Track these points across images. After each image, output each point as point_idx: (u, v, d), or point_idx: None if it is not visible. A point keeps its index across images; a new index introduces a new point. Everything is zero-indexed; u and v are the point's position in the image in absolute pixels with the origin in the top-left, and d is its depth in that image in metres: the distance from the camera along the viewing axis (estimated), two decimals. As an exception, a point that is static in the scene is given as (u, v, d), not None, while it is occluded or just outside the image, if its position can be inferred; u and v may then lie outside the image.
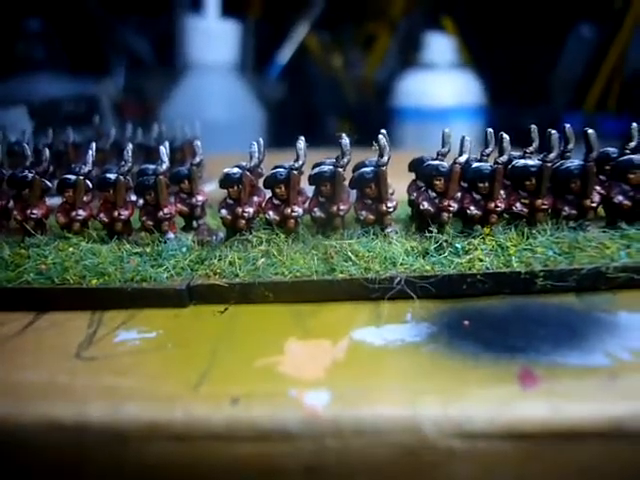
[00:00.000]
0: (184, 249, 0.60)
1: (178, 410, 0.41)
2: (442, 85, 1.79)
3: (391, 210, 0.59)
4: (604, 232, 0.57)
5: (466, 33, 1.89)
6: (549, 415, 0.39)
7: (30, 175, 0.61)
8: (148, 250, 0.60)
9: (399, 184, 0.65)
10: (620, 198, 0.58)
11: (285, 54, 2.02)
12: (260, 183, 0.62)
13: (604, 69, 1.67)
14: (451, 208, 0.58)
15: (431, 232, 0.58)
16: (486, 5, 1.88)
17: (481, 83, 1.83)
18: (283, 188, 0.59)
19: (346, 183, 0.60)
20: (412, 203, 0.65)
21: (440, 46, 1.79)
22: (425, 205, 0.59)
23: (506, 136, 0.59)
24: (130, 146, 0.63)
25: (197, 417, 0.40)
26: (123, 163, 0.62)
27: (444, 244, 0.57)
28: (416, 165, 0.65)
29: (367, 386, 0.42)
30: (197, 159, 0.67)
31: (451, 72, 1.80)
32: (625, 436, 0.38)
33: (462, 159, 0.58)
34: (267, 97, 1.93)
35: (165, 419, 0.40)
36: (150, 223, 0.62)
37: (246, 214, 0.60)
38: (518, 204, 0.59)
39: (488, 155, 0.63)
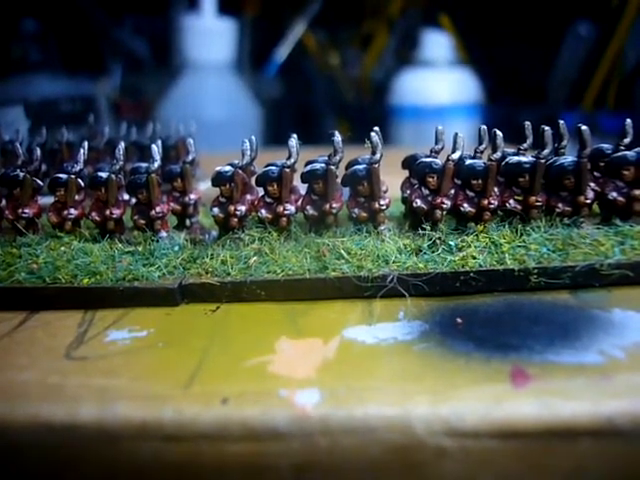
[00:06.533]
0: (176, 248, 0.60)
1: (168, 410, 0.40)
2: (439, 83, 1.79)
3: (384, 208, 0.59)
4: (598, 229, 0.57)
5: (463, 31, 1.89)
6: (541, 413, 0.38)
7: (21, 174, 0.61)
8: (140, 249, 0.59)
9: (394, 181, 0.65)
10: (614, 194, 0.58)
11: (282, 52, 2.01)
12: (253, 181, 0.62)
13: (602, 67, 1.66)
14: (444, 205, 0.58)
15: (424, 229, 0.58)
16: (484, 3, 1.88)
17: (479, 81, 1.83)
18: (275, 186, 0.59)
19: (339, 181, 0.59)
20: (405, 200, 0.65)
21: (437, 44, 1.79)
22: (418, 202, 0.59)
23: (499, 133, 0.59)
24: (122, 145, 0.62)
25: (187, 417, 0.40)
26: (115, 162, 0.62)
27: (437, 242, 0.57)
28: (409, 162, 0.65)
29: (358, 385, 0.42)
30: (190, 157, 0.66)
31: (448, 70, 1.80)
32: (618, 434, 0.38)
33: (455, 156, 0.58)
34: (264, 95, 1.93)
35: (155, 419, 0.40)
36: (142, 222, 0.62)
37: (238, 212, 0.59)
38: (512, 201, 0.59)
39: (482, 152, 0.62)
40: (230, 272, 0.56)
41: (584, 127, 0.57)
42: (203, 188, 0.76)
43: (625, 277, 0.54)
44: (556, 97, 1.80)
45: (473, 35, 1.91)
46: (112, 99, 1.85)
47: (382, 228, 0.59)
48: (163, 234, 0.62)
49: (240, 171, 0.59)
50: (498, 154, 0.58)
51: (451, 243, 0.56)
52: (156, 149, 0.61)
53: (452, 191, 0.59)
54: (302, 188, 0.61)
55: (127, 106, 1.88)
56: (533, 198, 0.58)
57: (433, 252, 0.56)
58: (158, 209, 0.61)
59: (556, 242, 0.56)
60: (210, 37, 1.70)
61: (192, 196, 0.66)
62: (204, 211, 0.71)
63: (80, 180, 0.62)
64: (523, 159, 0.58)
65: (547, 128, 0.57)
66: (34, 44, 1.81)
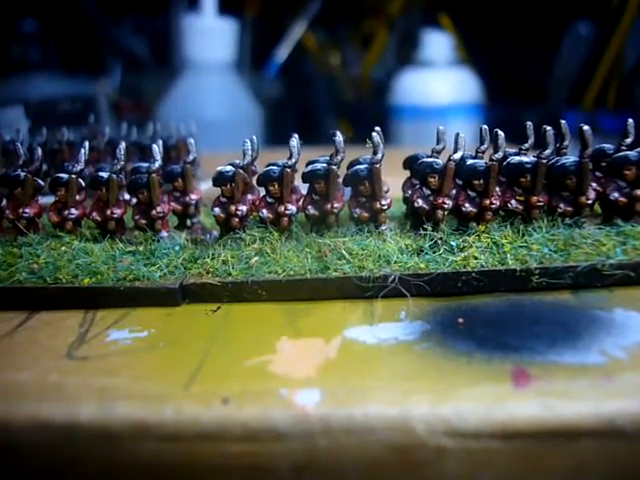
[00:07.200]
0: (177, 248, 0.60)
1: (169, 410, 0.40)
2: (440, 83, 1.79)
3: (385, 208, 0.58)
4: (600, 229, 0.57)
5: (464, 31, 1.89)
6: (542, 414, 0.38)
7: (22, 174, 0.61)
8: (141, 249, 0.59)
9: (395, 181, 0.65)
10: (616, 195, 0.58)
11: (282, 52, 2.01)
12: (254, 181, 0.62)
13: (602, 66, 1.66)
14: (446, 205, 0.58)
15: (426, 230, 0.58)
16: (484, 3, 1.88)
17: (479, 81, 1.82)
18: (277, 186, 0.59)
19: (340, 181, 0.59)
20: (407, 200, 0.65)
21: (438, 44, 1.79)
22: (420, 203, 0.59)
23: (501, 133, 0.58)
24: (123, 145, 0.62)
25: (188, 417, 0.40)
26: (116, 161, 0.62)
27: (439, 242, 0.57)
28: (411, 162, 0.65)
29: (359, 385, 0.42)
30: (191, 157, 0.66)
31: (449, 70, 1.80)
32: (619, 435, 0.38)
33: (457, 156, 0.58)
34: (264, 95, 1.93)
35: (156, 419, 0.40)
36: (143, 222, 0.62)
37: (239, 212, 0.59)
38: (513, 201, 0.58)
39: (483, 152, 0.62)
40: (231, 272, 0.56)
41: (586, 127, 0.57)
42: (204, 188, 0.76)
43: (627, 277, 0.54)
44: (556, 97, 1.80)
45: (473, 35, 1.91)
46: (112, 99, 1.85)
47: (383, 228, 0.59)
48: (164, 234, 0.62)
49: (241, 171, 0.59)
50: (499, 154, 0.58)
51: (452, 243, 0.56)
52: (157, 149, 0.61)
53: (453, 191, 0.59)
54: (303, 188, 0.61)
55: (127, 106, 1.88)
56: (535, 198, 0.58)
57: (434, 252, 0.56)
58: (159, 209, 0.61)
59: (558, 242, 0.56)
60: (210, 37, 1.70)
61: (193, 196, 0.66)
62: (205, 211, 0.71)
63: (81, 180, 0.62)
64: (525, 159, 0.58)
65: (549, 128, 0.57)
66: (34, 44, 1.81)
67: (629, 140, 0.60)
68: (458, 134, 0.59)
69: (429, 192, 0.59)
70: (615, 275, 0.54)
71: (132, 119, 1.23)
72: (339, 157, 0.58)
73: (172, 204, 0.64)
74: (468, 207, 0.59)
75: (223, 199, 0.60)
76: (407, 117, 1.79)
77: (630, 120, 0.60)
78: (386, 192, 0.60)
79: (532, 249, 0.55)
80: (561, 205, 0.58)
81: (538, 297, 0.54)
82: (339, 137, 0.58)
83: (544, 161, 0.57)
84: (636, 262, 0.54)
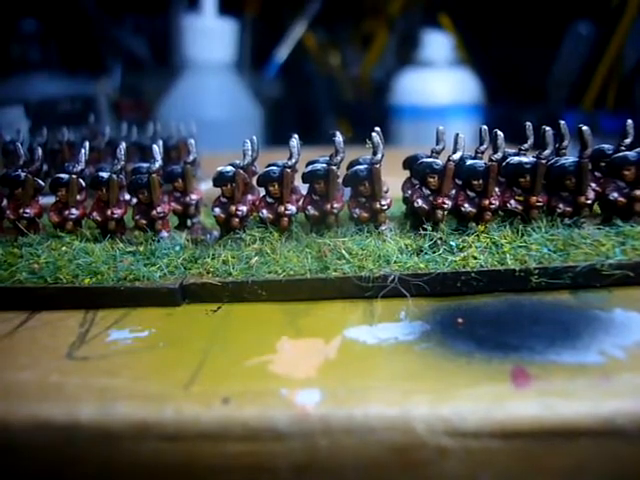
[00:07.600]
0: (177, 248, 0.60)
1: (169, 410, 0.40)
2: (440, 83, 1.79)
3: (385, 208, 0.59)
4: (599, 229, 0.57)
5: (464, 31, 1.89)
6: (542, 413, 0.38)
7: (23, 174, 0.61)
8: (141, 249, 0.60)
9: (395, 182, 0.65)
10: (615, 195, 0.58)
11: (283, 52, 2.01)
12: (254, 181, 0.62)
13: (602, 67, 1.66)
14: (445, 205, 0.58)
15: (425, 230, 0.58)
16: (484, 3, 1.88)
17: (479, 81, 1.83)
18: (277, 186, 0.59)
19: (340, 181, 0.59)
20: (406, 201, 0.65)
21: (438, 44, 1.79)
22: (419, 203, 0.59)
23: (500, 133, 0.59)
24: (123, 145, 0.63)
25: (188, 417, 0.40)
26: (116, 162, 0.62)
27: (438, 242, 0.57)
28: (410, 162, 0.65)
29: (359, 385, 0.42)
30: (191, 157, 0.66)
31: (449, 70, 1.80)
32: (618, 434, 0.38)
33: (456, 156, 0.58)
34: (264, 95, 1.93)
35: (156, 419, 0.40)
36: (143, 222, 0.62)
37: (239, 212, 0.59)
38: (512, 201, 0.59)
39: (483, 152, 0.62)
40: (231, 272, 0.56)
41: (585, 127, 0.57)
42: (204, 188, 0.76)
43: (626, 277, 0.54)
44: (556, 97, 1.80)
45: (473, 35, 1.91)
46: (112, 99, 1.85)
47: (383, 228, 0.59)
48: (164, 234, 0.62)
49: (241, 171, 0.59)
50: (499, 154, 0.58)
51: (452, 243, 0.57)
52: (157, 149, 0.61)
53: (453, 191, 0.59)
54: (303, 188, 0.61)
55: (127, 106, 1.88)
56: (534, 198, 0.58)
57: (434, 252, 0.56)
58: (159, 209, 0.61)
59: (557, 242, 0.56)
60: (210, 37, 1.70)
61: (193, 196, 0.66)
62: (205, 211, 0.71)
63: (81, 180, 0.62)
64: (524, 159, 0.58)
65: (548, 128, 0.57)
66: (34, 44, 1.81)
67: (628, 140, 0.60)
68: (457, 134, 0.59)
69: (429, 192, 0.59)
70: (614, 275, 0.54)
71: (132, 119, 1.23)
72: (339, 157, 0.58)
73: (172, 204, 0.65)
74: (467, 207, 0.59)
75: (223, 199, 0.60)
76: (407, 117, 1.79)
77: (629, 121, 0.60)
78: (386, 192, 0.60)
79: (531, 249, 0.55)
80: (560, 205, 0.58)
81: (537, 297, 0.54)
82: (339, 137, 0.58)
83: (543, 161, 0.57)
84: (635, 262, 0.54)
